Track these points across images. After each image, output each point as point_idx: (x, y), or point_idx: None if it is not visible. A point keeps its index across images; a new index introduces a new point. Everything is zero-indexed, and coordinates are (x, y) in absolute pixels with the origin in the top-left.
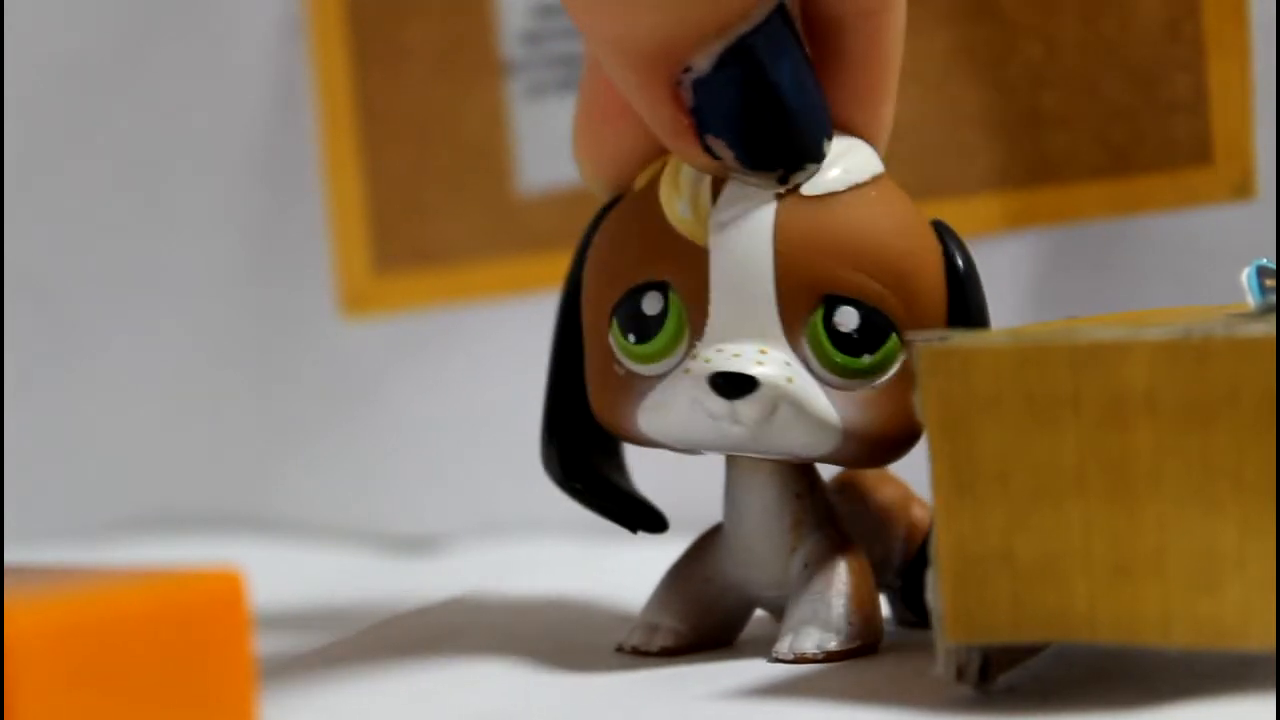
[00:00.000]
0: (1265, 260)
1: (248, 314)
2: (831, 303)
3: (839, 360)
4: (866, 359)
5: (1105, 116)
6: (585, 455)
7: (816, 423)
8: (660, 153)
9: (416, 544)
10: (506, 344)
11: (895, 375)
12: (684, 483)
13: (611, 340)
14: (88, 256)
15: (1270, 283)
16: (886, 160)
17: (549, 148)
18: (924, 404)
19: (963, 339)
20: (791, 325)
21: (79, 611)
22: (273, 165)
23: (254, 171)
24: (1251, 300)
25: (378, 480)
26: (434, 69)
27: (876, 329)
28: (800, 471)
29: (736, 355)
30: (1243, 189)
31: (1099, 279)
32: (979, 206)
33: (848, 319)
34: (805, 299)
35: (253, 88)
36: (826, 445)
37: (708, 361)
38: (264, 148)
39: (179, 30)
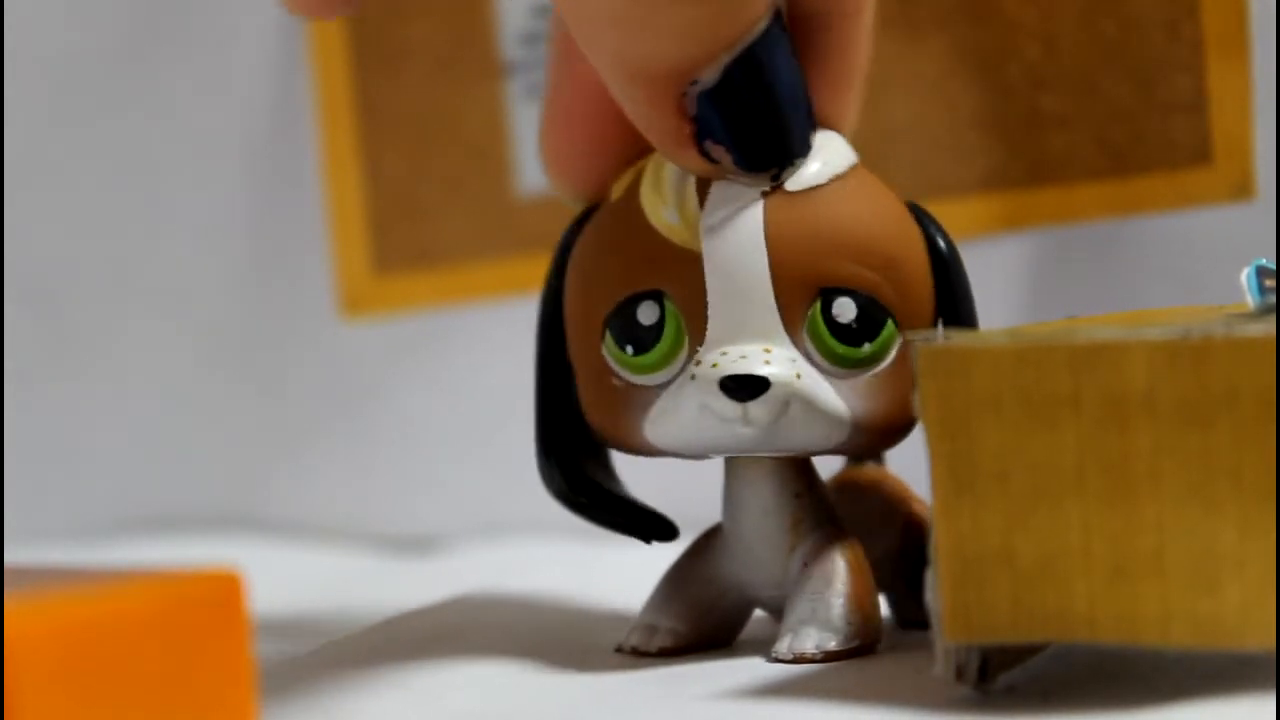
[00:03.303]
0: (1265, 260)
1: (247, 315)
2: (828, 295)
3: (841, 351)
4: (867, 347)
5: (1104, 117)
6: (583, 469)
7: (826, 416)
8: (631, 159)
9: (416, 544)
10: (506, 344)
11: (893, 361)
12: (683, 483)
13: (606, 353)
14: (88, 257)
15: (1270, 283)
16: (886, 160)
17: None
18: (923, 404)
19: (962, 339)
20: (792, 322)
21: (79, 611)
22: (273, 165)
23: (254, 171)
24: (1251, 300)
25: (377, 480)
26: (434, 69)
27: (873, 317)
28: (799, 470)
29: (743, 357)
30: (1242, 189)
31: (1099, 279)
32: (978, 207)
33: (845, 310)
34: (802, 294)
35: (253, 87)
36: (837, 438)
37: (714, 366)
38: (264, 148)
39: (179, 30)
